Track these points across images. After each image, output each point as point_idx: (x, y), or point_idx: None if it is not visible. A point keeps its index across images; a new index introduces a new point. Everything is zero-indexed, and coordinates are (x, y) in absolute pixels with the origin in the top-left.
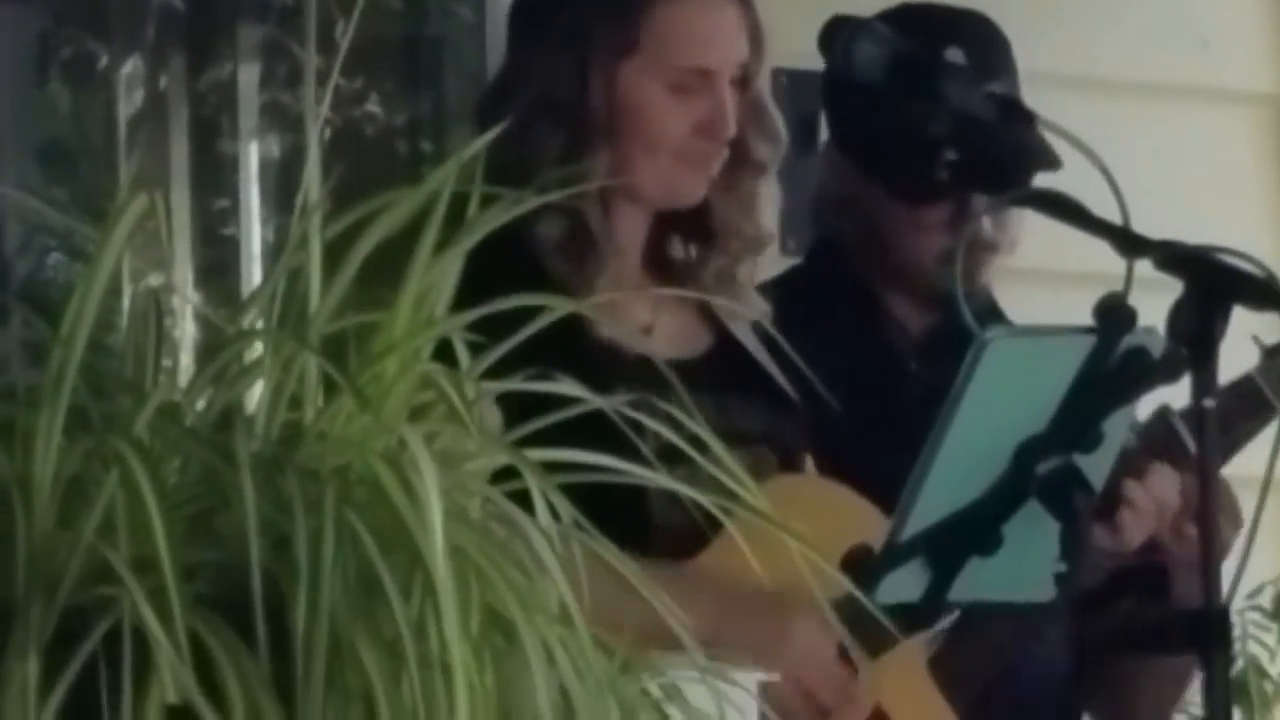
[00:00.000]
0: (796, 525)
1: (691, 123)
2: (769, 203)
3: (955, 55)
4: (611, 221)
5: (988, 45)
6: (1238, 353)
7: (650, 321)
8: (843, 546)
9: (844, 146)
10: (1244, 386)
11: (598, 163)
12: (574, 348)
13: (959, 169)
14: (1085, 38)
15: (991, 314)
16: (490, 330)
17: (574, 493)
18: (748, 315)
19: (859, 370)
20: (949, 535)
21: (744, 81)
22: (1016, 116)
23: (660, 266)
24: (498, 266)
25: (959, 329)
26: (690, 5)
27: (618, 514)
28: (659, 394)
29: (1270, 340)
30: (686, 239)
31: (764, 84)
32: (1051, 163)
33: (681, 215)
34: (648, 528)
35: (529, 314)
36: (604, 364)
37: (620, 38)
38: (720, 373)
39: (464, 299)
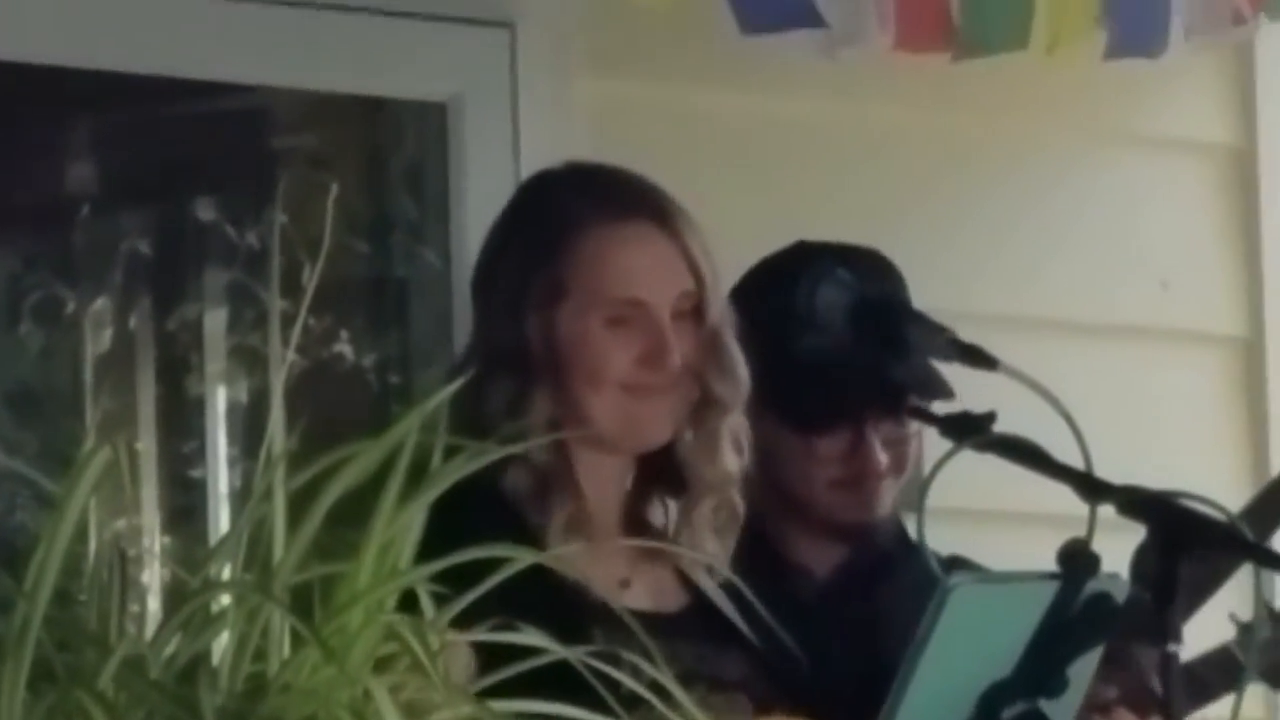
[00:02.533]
0: None
1: (632, 356)
2: (729, 444)
3: (844, 276)
4: (576, 470)
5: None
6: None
7: (628, 576)
8: None
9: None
10: (1221, 657)
11: (540, 409)
12: (551, 594)
13: (922, 413)
14: (1044, 279)
15: (901, 543)
16: (467, 579)
17: None
18: (716, 572)
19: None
20: None
21: (696, 314)
22: (979, 361)
23: (639, 527)
24: (477, 515)
25: (871, 563)
26: (614, 239)
27: None
28: (634, 641)
29: (1244, 617)
30: (665, 494)
31: (723, 321)
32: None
33: (658, 464)
34: None
35: (503, 561)
36: (580, 610)
37: (550, 282)
38: (698, 625)
39: (442, 547)
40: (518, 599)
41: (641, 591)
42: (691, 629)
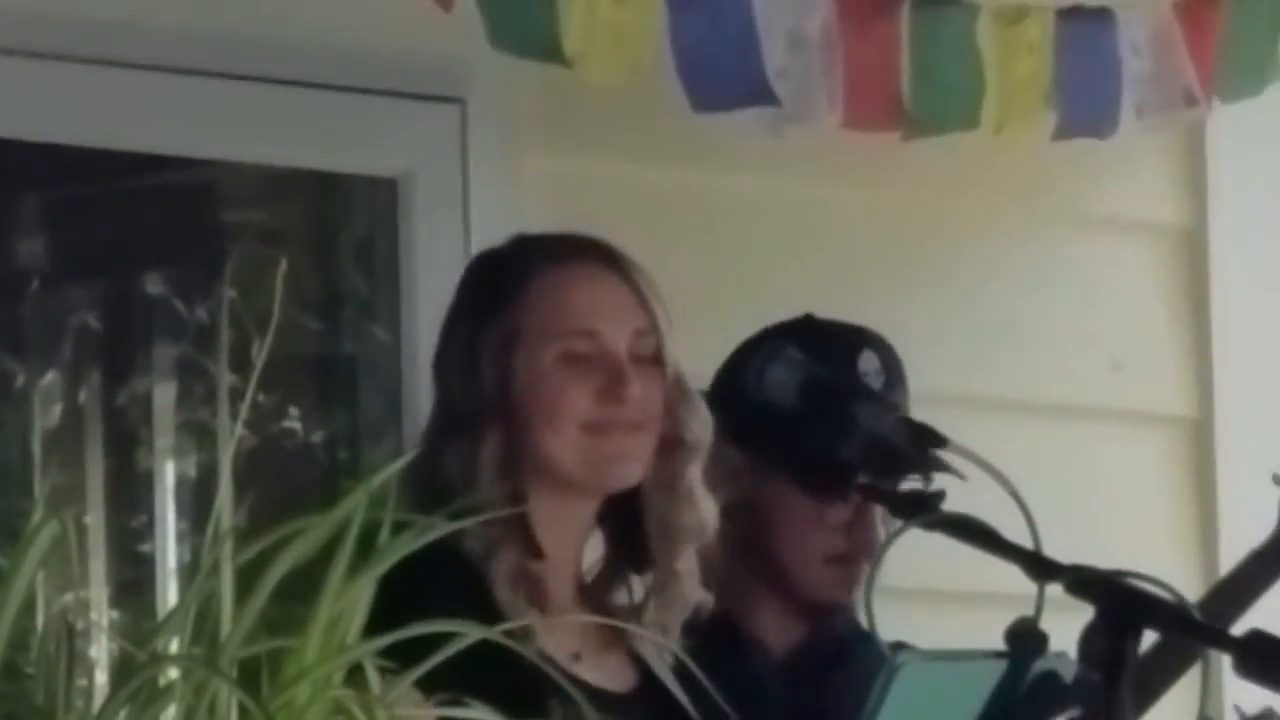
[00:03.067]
0: None
1: (591, 391)
2: (703, 490)
3: (870, 362)
4: (532, 520)
5: (891, 357)
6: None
7: (578, 649)
8: None
9: (744, 445)
10: None
11: (491, 453)
12: (509, 663)
13: (871, 491)
14: (993, 359)
15: (853, 627)
16: (421, 646)
17: None
18: (666, 649)
19: (729, 699)
20: None
21: (656, 360)
22: (927, 440)
23: (595, 599)
24: (438, 576)
25: (827, 647)
26: (563, 277)
27: None
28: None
29: (1251, 709)
30: (629, 567)
31: (678, 367)
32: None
33: (623, 523)
34: None
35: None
36: (537, 682)
37: (503, 330)
38: (647, 709)
39: (402, 611)
40: (475, 667)
41: (590, 667)
42: (642, 711)
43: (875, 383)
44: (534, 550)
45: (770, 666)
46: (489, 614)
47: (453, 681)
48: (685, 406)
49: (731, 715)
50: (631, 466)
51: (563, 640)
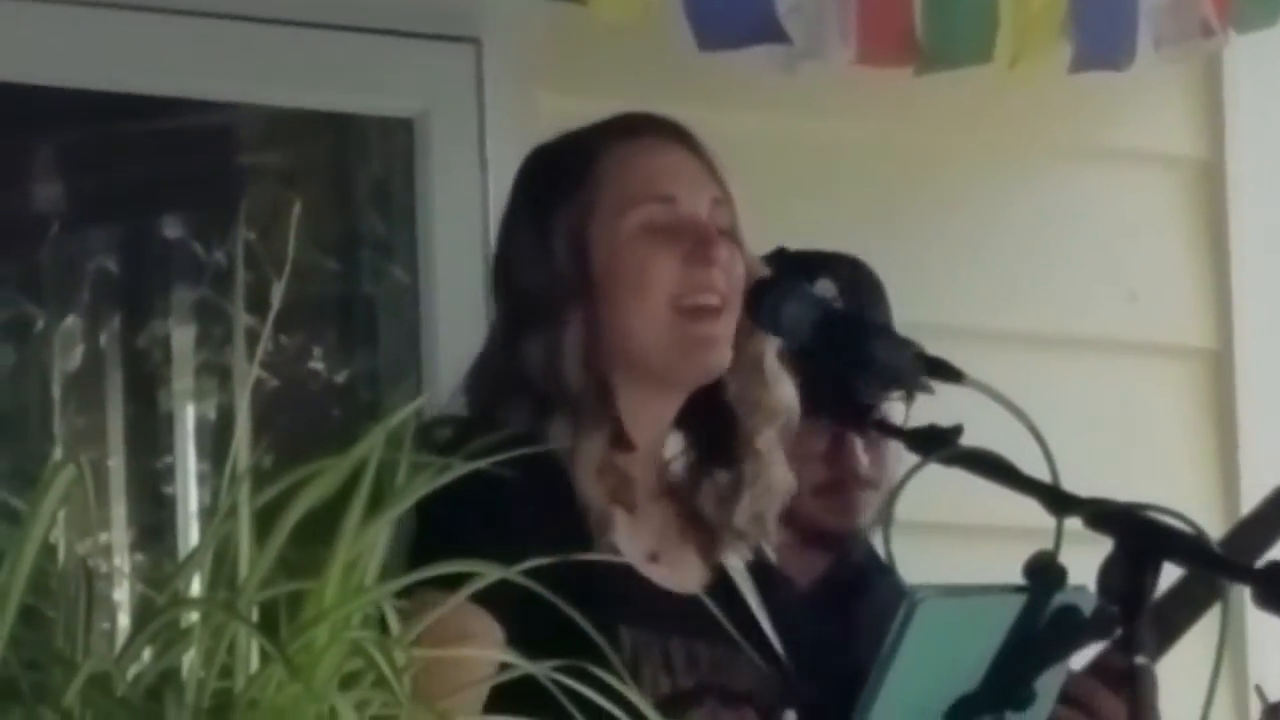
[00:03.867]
0: None
1: (678, 258)
2: (778, 369)
3: (825, 288)
4: (618, 407)
5: (858, 280)
6: None
7: (656, 548)
8: None
9: None
10: None
11: (574, 342)
12: (588, 571)
13: (888, 427)
14: (1011, 292)
15: (874, 560)
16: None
17: None
18: (752, 542)
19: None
20: None
21: (731, 233)
22: (946, 375)
23: (680, 499)
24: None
25: (849, 578)
26: (637, 148)
27: None
28: (664, 626)
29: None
30: (711, 463)
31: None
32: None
33: (700, 413)
34: None
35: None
36: (617, 589)
37: (576, 204)
38: (716, 620)
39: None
40: (557, 570)
41: (668, 570)
42: (713, 622)
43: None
44: (624, 443)
45: (796, 599)
46: (571, 512)
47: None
48: None
49: (798, 620)
50: (722, 352)
51: (643, 538)
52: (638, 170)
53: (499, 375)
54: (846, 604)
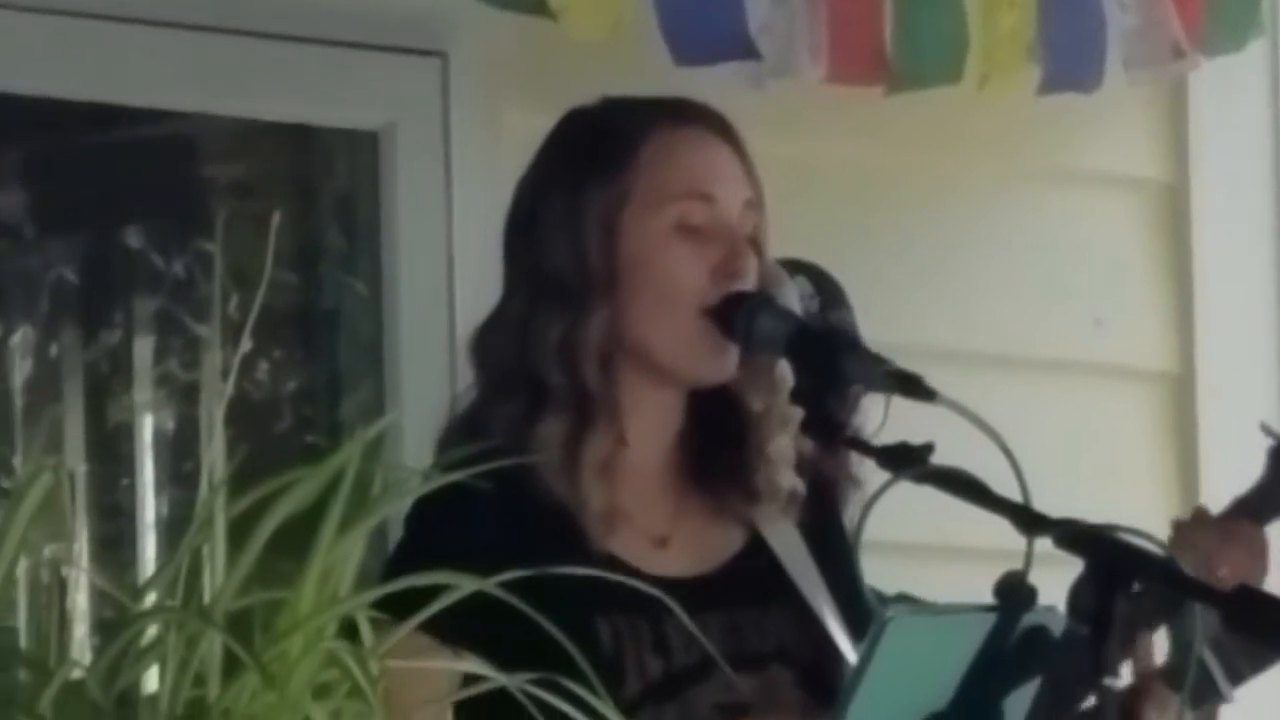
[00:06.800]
0: None
1: (709, 267)
2: (784, 375)
3: (801, 285)
4: (623, 405)
5: (819, 286)
6: None
7: (667, 532)
8: None
9: None
10: None
11: (594, 335)
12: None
13: (859, 444)
14: (978, 314)
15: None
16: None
17: None
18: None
19: None
20: None
21: (755, 240)
22: (918, 392)
23: (696, 472)
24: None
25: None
26: (679, 139)
27: None
28: (655, 616)
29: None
30: (720, 458)
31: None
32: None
33: (712, 403)
34: None
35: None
36: (597, 584)
37: (612, 188)
38: (738, 587)
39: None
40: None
41: (679, 551)
42: (729, 591)
43: None
44: (624, 439)
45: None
46: (543, 517)
47: (487, 613)
48: (776, 290)
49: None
50: (734, 357)
51: (649, 526)
52: (680, 163)
53: (508, 352)
54: None
